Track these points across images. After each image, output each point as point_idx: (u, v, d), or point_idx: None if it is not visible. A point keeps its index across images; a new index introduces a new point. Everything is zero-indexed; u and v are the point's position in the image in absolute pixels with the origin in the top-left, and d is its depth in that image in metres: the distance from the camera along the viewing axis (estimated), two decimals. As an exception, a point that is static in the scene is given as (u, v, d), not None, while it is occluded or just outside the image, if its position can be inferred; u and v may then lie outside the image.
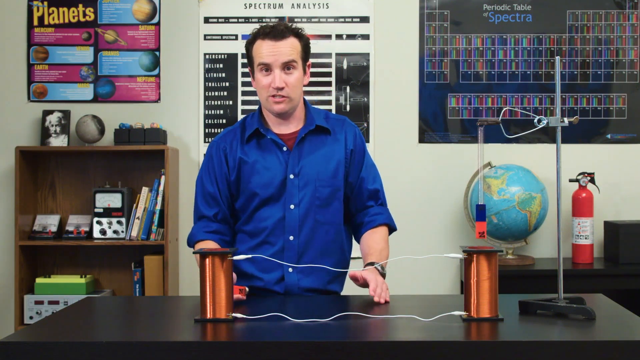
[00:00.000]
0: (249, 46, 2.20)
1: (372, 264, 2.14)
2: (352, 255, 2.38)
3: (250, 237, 2.24)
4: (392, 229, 2.34)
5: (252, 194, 2.21)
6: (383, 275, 2.15)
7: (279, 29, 2.15)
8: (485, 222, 1.85)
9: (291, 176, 2.19)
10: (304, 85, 2.24)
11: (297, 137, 2.22)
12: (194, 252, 1.86)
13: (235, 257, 1.87)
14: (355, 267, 2.36)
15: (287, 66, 2.14)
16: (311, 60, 2.27)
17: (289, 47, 2.14)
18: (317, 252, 2.22)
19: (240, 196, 2.23)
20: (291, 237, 2.20)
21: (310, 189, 2.20)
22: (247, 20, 3.74)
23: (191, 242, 2.27)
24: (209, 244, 2.20)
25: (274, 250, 2.20)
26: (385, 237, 2.29)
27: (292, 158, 2.20)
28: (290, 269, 2.19)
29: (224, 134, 2.29)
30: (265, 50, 2.14)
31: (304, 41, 2.20)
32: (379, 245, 2.24)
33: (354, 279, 2.08)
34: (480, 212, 1.86)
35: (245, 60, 3.70)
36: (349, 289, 2.36)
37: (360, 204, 2.31)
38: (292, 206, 2.19)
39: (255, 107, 3.70)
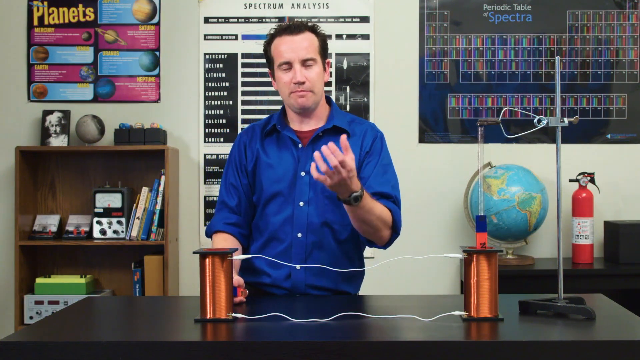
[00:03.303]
0: (267, 47, 2.22)
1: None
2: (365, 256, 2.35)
3: (261, 233, 2.24)
4: (396, 225, 2.14)
5: (262, 188, 2.22)
6: (356, 196, 1.95)
7: (295, 24, 2.18)
8: (485, 233, 1.81)
9: (302, 173, 2.19)
10: (325, 83, 2.24)
11: (313, 135, 2.22)
12: (194, 252, 1.86)
13: (236, 257, 1.87)
14: (368, 268, 2.33)
15: (306, 62, 2.16)
16: None
17: (307, 42, 2.16)
18: (326, 251, 2.20)
19: (256, 190, 2.25)
20: (299, 235, 2.19)
21: (321, 187, 2.17)
22: (247, 20, 3.74)
23: (209, 232, 2.28)
24: (227, 238, 2.22)
25: (282, 247, 2.20)
26: (387, 213, 2.09)
27: (304, 155, 2.20)
28: (297, 267, 2.19)
29: (248, 128, 2.33)
30: (284, 46, 2.16)
31: (321, 37, 2.22)
32: (378, 204, 2.07)
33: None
34: (480, 224, 1.82)
35: (245, 61, 3.75)
36: (365, 291, 2.35)
37: None
38: (301, 203, 2.19)
39: (255, 107, 3.73)
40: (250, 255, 2.07)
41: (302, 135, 2.23)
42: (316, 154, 1.86)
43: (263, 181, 2.22)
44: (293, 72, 2.15)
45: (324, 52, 2.22)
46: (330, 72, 3.68)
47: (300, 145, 2.22)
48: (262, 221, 2.24)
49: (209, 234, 2.29)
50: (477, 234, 1.82)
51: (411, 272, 3.64)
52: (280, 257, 2.15)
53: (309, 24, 2.21)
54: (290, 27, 2.18)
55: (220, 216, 2.27)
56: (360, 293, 2.31)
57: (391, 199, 2.18)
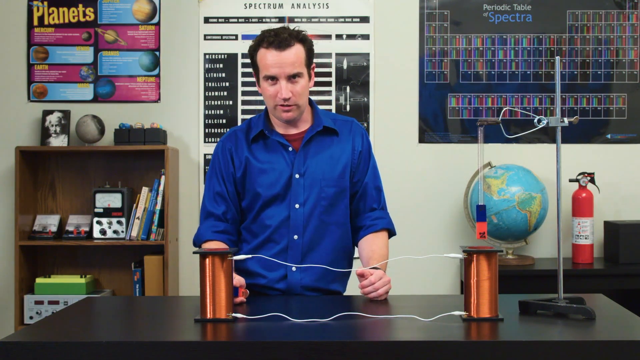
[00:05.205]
0: (253, 52, 2.18)
1: (376, 269, 2.14)
2: (354, 255, 2.38)
3: (255, 236, 2.24)
4: (391, 233, 2.34)
5: (257, 193, 2.22)
6: None
7: (282, 37, 2.12)
8: (485, 222, 1.85)
9: (297, 176, 2.20)
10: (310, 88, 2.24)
11: (304, 138, 2.23)
12: (194, 252, 1.86)
13: (236, 257, 1.87)
14: (357, 267, 2.35)
15: (292, 77, 2.14)
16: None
17: (294, 57, 2.13)
18: (321, 251, 2.22)
19: (246, 195, 2.24)
20: (295, 236, 2.20)
21: (316, 189, 2.20)
22: (247, 20, 3.74)
23: (198, 242, 2.26)
24: (218, 245, 2.20)
25: (279, 248, 2.21)
26: (386, 243, 2.30)
27: (298, 158, 2.21)
28: (293, 268, 2.19)
29: (229, 134, 2.30)
30: (270, 60, 2.12)
31: (308, 45, 2.19)
32: (382, 251, 2.25)
33: (361, 276, 2.07)
34: (480, 213, 1.87)
35: (245, 61, 3.75)
36: (352, 289, 2.36)
37: (363, 205, 2.31)
38: (297, 205, 2.20)
39: (256, 107, 3.72)
40: (251, 255, 2.07)
41: (290, 138, 2.24)
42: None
43: (256, 186, 2.21)
44: (279, 87, 2.13)
45: (309, 60, 2.20)
46: (330, 72, 3.72)
47: (290, 149, 2.22)
48: (256, 224, 2.24)
49: (197, 244, 2.27)
50: (477, 224, 1.86)
51: (411, 272, 3.64)
52: (276, 259, 2.16)
53: (296, 30, 2.17)
54: (277, 40, 2.12)
55: (207, 225, 2.25)
56: (360, 293, 2.31)
57: (381, 203, 2.33)
